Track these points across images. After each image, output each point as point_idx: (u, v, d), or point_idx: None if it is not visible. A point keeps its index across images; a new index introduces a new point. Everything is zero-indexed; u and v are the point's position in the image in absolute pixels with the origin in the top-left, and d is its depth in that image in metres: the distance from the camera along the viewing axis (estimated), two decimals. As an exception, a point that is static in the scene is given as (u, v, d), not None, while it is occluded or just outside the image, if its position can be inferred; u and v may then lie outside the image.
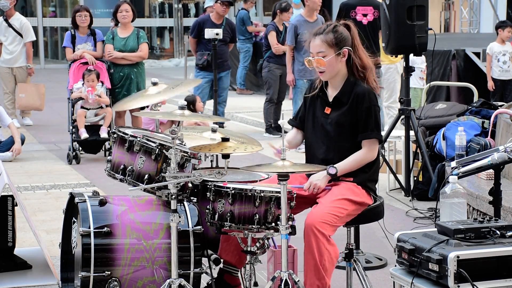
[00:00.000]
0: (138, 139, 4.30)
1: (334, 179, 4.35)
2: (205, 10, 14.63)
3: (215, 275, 4.52)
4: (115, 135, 4.42)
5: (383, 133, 7.57)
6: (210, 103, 10.93)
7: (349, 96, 4.38)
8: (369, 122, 4.34)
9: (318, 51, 4.38)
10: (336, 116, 4.40)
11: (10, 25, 11.73)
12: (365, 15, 8.77)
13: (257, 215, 4.09)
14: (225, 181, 4.22)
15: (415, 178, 7.43)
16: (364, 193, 4.37)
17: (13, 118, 11.82)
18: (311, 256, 4.11)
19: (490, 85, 11.36)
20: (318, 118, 4.49)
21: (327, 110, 4.45)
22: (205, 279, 4.56)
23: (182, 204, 4.30)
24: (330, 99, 4.45)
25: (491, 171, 4.88)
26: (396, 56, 9.12)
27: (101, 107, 9.50)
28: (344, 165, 4.33)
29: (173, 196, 4.04)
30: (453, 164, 4.35)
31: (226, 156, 4.16)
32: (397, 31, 7.33)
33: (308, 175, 4.48)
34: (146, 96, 4.74)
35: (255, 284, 4.64)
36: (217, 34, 8.34)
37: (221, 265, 4.52)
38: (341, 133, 4.38)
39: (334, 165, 4.30)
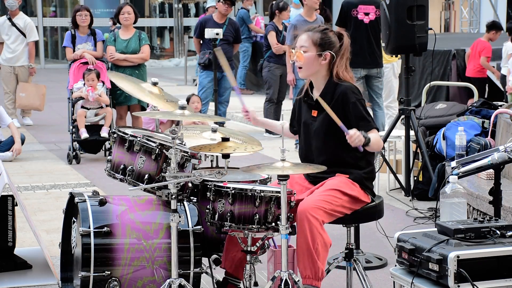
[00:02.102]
0: (138, 139, 4.30)
1: (331, 174, 4.36)
2: (206, 10, 14.67)
3: (216, 277, 4.52)
4: (115, 135, 4.42)
5: (383, 133, 7.58)
6: (213, 103, 10.94)
7: (331, 97, 4.38)
8: (363, 114, 4.33)
9: (301, 45, 4.43)
10: (322, 118, 4.40)
11: (13, 24, 11.76)
12: (366, 14, 8.75)
13: (257, 215, 4.09)
14: (225, 181, 4.22)
15: (415, 178, 7.43)
16: (360, 191, 4.36)
17: (14, 118, 11.83)
18: (303, 240, 4.10)
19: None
20: (307, 122, 4.51)
21: (314, 113, 4.46)
22: (205, 279, 4.56)
23: (182, 204, 4.30)
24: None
25: (491, 171, 4.88)
26: (392, 56, 9.13)
27: (101, 107, 9.51)
28: (371, 138, 4.22)
29: (173, 196, 4.04)
30: (453, 164, 4.35)
31: (226, 156, 4.16)
32: (397, 31, 7.33)
33: (307, 176, 4.48)
34: (142, 90, 4.74)
35: (255, 284, 4.64)
36: (217, 34, 8.34)
37: (224, 275, 4.53)
38: (329, 134, 4.38)
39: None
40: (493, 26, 11.77)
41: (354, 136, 4.14)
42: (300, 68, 4.45)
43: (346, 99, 4.34)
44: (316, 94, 4.47)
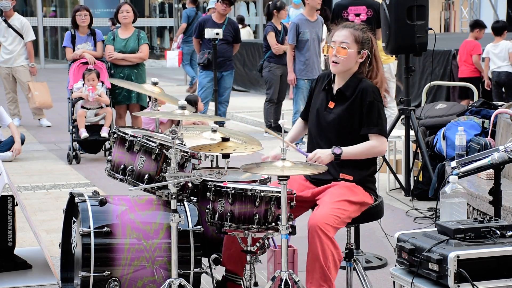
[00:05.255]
0: (138, 139, 4.30)
1: (335, 179, 4.35)
2: (207, 10, 14.71)
3: (216, 277, 4.52)
4: (115, 135, 4.42)
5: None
6: (213, 103, 10.96)
7: (353, 91, 4.38)
8: (371, 117, 4.34)
9: (342, 40, 4.38)
10: (339, 111, 4.39)
11: (9, 26, 11.75)
12: (357, 15, 8.73)
13: (257, 215, 4.09)
14: (225, 181, 4.22)
15: (415, 178, 7.43)
16: (364, 192, 4.36)
17: (15, 118, 11.84)
18: (316, 259, 4.10)
19: None
20: (321, 112, 4.48)
21: (331, 105, 4.45)
22: (205, 279, 4.56)
23: (182, 204, 4.30)
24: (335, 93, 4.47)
25: (491, 171, 4.88)
26: (389, 57, 9.12)
27: (101, 107, 9.51)
28: (350, 150, 4.31)
29: (173, 196, 4.04)
30: (453, 164, 4.35)
31: (226, 156, 4.16)
32: (397, 31, 7.33)
33: (307, 177, 4.48)
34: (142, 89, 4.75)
35: (255, 284, 4.64)
36: (217, 34, 8.34)
37: (223, 273, 4.53)
38: (344, 128, 4.38)
39: (341, 147, 4.30)
40: (476, 25, 11.85)
41: (313, 158, 4.27)
42: (335, 63, 4.39)
43: (364, 96, 4.34)
44: (337, 87, 4.47)
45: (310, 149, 4.50)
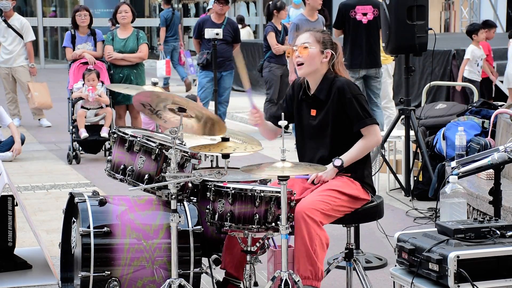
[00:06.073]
0: (138, 139, 4.30)
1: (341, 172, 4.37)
2: (208, 10, 14.74)
3: (216, 277, 4.52)
4: (115, 135, 4.42)
5: (383, 133, 7.58)
6: (213, 103, 10.95)
7: (328, 93, 4.40)
8: (357, 111, 4.36)
9: (303, 42, 4.44)
10: (322, 116, 4.42)
11: (9, 26, 11.73)
12: (364, 14, 8.76)
13: (257, 215, 4.09)
14: (225, 181, 4.22)
15: (415, 178, 7.43)
16: (360, 189, 4.38)
17: (15, 118, 11.84)
18: (301, 242, 4.12)
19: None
20: (306, 121, 4.51)
21: (313, 112, 4.47)
22: (204, 279, 4.56)
23: (182, 204, 4.30)
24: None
25: (491, 171, 4.88)
26: (387, 57, 9.13)
27: (101, 107, 9.50)
28: (349, 155, 4.35)
29: (173, 196, 4.04)
30: (453, 164, 4.36)
31: (226, 156, 4.16)
32: (397, 31, 7.33)
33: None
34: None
35: (255, 284, 4.64)
36: (217, 34, 8.34)
37: (223, 275, 4.53)
38: (331, 131, 4.40)
39: (339, 157, 4.32)
40: (484, 25, 11.73)
41: (315, 180, 4.35)
42: (301, 65, 4.43)
43: (342, 95, 4.37)
44: (312, 92, 4.48)
45: (302, 158, 4.52)
